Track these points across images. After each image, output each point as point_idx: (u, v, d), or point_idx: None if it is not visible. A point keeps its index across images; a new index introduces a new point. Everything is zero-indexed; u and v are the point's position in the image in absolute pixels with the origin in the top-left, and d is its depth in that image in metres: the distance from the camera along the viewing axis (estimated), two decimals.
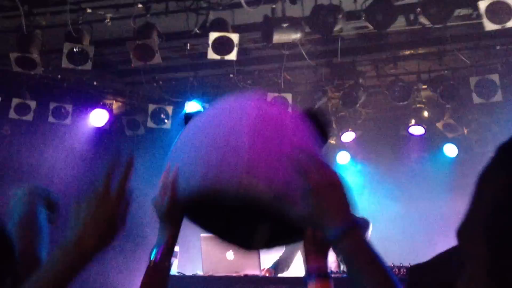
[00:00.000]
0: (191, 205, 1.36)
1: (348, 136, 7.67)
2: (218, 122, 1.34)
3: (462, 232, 0.67)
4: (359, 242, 1.10)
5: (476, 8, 5.08)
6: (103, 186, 1.10)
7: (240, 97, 1.49)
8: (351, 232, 1.09)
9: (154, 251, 1.38)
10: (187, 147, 1.36)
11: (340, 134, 7.63)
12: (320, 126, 1.36)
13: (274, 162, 1.23)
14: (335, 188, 1.15)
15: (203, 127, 1.38)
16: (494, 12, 4.97)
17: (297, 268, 5.28)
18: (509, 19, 4.96)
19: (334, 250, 1.14)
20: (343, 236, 1.09)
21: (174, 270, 4.87)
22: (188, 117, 1.47)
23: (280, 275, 5.22)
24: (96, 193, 1.10)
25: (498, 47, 6.20)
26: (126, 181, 1.12)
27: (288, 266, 5.23)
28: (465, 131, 7.55)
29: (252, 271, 4.97)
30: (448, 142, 7.76)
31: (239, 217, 1.41)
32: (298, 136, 1.29)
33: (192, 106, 6.92)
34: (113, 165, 1.13)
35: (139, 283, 1.34)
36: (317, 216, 1.12)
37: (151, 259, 1.37)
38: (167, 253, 1.40)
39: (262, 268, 5.11)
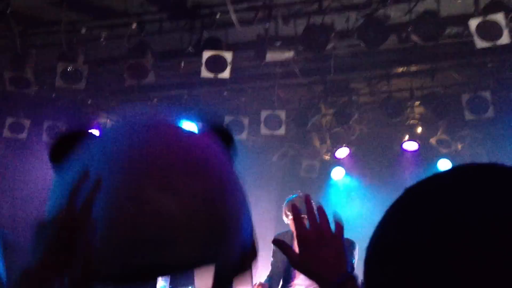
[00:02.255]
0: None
1: (342, 152, 7.70)
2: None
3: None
4: None
5: (467, 26, 5.14)
6: (67, 207, 1.00)
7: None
8: (347, 284, 1.09)
9: None
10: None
11: (334, 150, 7.66)
12: (226, 141, 1.28)
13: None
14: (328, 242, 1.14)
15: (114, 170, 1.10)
16: (485, 30, 5.03)
17: None
18: (499, 37, 5.02)
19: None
20: None
21: (166, 286, 4.84)
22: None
23: None
24: (60, 214, 1.00)
25: (489, 65, 6.26)
26: (91, 203, 1.01)
27: (279, 281, 5.22)
28: (459, 146, 7.59)
29: (244, 285, 4.95)
30: (442, 157, 7.80)
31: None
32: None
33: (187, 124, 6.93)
34: (78, 186, 1.02)
35: None
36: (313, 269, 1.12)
37: None
38: None
39: (254, 283, 5.09)
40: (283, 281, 5.12)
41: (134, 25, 5.61)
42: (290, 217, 5.01)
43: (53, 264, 0.96)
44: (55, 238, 0.98)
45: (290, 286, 5.05)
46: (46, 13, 5.54)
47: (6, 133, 6.83)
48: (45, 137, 6.95)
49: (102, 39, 5.75)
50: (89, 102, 7.07)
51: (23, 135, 6.87)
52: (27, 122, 6.85)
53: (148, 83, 6.13)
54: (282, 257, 5.12)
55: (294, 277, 5.05)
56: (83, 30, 5.69)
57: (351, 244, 4.78)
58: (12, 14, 5.29)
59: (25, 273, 0.97)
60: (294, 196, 5.11)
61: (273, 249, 5.22)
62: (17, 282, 0.98)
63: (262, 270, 5.24)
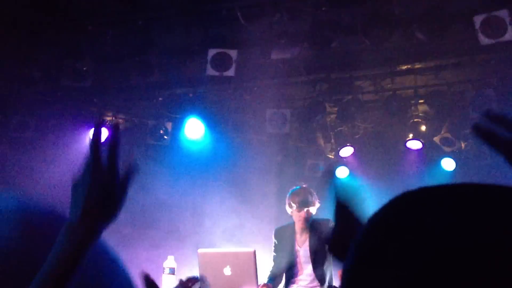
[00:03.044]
0: None
1: (346, 151, 7.71)
2: None
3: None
4: None
5: (471, 23, 5.16)
6: (92, 159, 1.09)
7: None
8: None
9: None
10: None
11: (338, 149, 7.67)
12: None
13: None
14: None
15: None
16: (489, 26, 5.06)
17: None
18: (503, 34, 5.05)
19: None
20: None
21: (171, 286, 4.86)
22: None
23: None
24: (88, 167, 1.09)
25: (492, 62, 6.27)
26: (115, 147, 1.10)
27: (282, 278, 5.23)
28: (463, 145, 7.59)
29: (250, 286, 4.96)
30: (446, 156, 7.80)
31: None
32: None
33: (192, 122, 6.96)
34: (96, 136, 1.11)
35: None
36: None
37: None
38: None
39: (259, 283, 5.09)
40: (286, 278, 5.12)
41: (140, 22, 5.64)
42: (294, 207, 5.03)
43: (91, 217, 1.07)
44: (89, 194, 1.08)
45: (294, 283, 5.06)
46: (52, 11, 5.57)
47: (12, 131, 6.85)
48: (50, 135, 6.98)
49: (108, 37, 5.78)
50: (94, 100, 7.10)
51: (29, 134, 6.89)
52: (32, 121, 6.88)
53: (154, 81, 6.17)
54: (284, 250, 5.14)
55: (298, 273, 5.06)
56: (90, 28, 5.73)
57: (327, 223, 4.86)
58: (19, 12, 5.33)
59: (69, 225, 1.07)
60: (297, 188, 5.14)
61: (274, 242, 5.24)
62: (63, 234, 1.06)
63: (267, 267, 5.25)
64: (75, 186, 1.10)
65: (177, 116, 7.16)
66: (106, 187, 1.08)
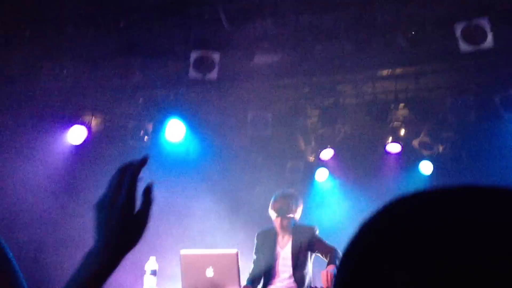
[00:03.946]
0: None
1: (327, 154, 7.76)
2: None
3: None
4: None
5: (452, 30, 5.23)
6: (116, 188, 1.13)
7: None
8: None
9: None
10: None
11: (319, 151, 7.71)
12: None
13: None
14: None
15: None
16: (469, 34, 5.13)
17: None
18: (483, 41, 5.12)
19: None
20: None
21: (153, 287, 4.83)
22: None
23: None
24: (110, 195, 1.12)
25: (472, 68, 6.37)
26: (137, 177, 1.15)
27: (260, 280, 5.25)
28: (440, 148, 7.70)
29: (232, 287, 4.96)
30: (424, 159, 7.90)
31: None
32: None
33: (173, 123, 6.92)
34: (125, 170, 1.16)
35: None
36: None
37: None
38: None
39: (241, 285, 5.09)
40: (264, 279, 5.14)
41: (121, 24, 5.59)
42: (274, 215, 5.04)
43: (113, 245, 1.10)
44: (115, 220, 1.11)
45: (272, 284, 5.08)
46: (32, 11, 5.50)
47: None
48: (28, 136, 6.88)
49: (88, 38, 5.72)
50: (73, 100, 7.02)
51: (6, 133, 6.79)
52: (9, 121, 6.78)
53: (134, 82, 6.12)
54: (265, 252, 5.15)
55: (276, 275, 5.07)
56: (69, 28, 5.65)
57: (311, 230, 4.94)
58: None
59: (91, 252, 1.10)
60: (278, 194, 5.14)
61: (256, 245, 5.24)
62: (85, 260, 1.08)
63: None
64: (98, 212, 1.12)
65: (158, 117, 7.12)
66: (127, 216, 1.11)
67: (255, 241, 5.28)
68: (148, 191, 1.16)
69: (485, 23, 5.08)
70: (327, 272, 4.50)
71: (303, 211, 5.16)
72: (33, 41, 5.84)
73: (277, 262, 5.09)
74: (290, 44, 5.55)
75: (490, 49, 5.15)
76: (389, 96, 7.00)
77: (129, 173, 1.15)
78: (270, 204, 5.09)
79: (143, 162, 1.17)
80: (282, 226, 5.02)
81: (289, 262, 5.03)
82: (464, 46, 5.21)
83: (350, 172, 8.24)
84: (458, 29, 5.15)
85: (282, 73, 6.02)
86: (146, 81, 6.33)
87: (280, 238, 5.14)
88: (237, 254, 4.62)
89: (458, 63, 6.28)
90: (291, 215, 4.99)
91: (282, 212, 4.96)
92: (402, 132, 7.67)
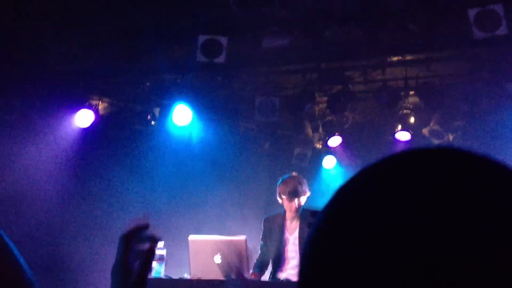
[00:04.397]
0: None
1: (334, 141, 7.68)
2: None
3: None
4: None
5: (465, 15, 5.11)
6: (125, 253, 1.16)
7: None
8: None
9: None
10: None
11: (327, 138, 7.63)
12: None
13: None
14: None
15: None
16: (483, 20, 5.01)
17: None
18: (497, 28, 5.00)
19: None
20: None
21: (161, 274, 4.81)
22: None
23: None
24: (121, 260, 1.16)
25: (485, 55, 6.25)
26: (149, 264, 1.17)
27: (268, 265, 5.22)
28: (451, 137, 7.59)
29: (240, 274, 4.93)
30: None
31: None
32: None
33: (180, 108, 6.87)
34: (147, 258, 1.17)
35: None
36: None
37: None
38: None
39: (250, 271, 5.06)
40: (274, 266, 5.10)
41: (128, 7, 5.53)
42: (284, 197, 4.99)
43: None
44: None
45: (282, 271, 5.03)
46: None
47: None
48: (35, 119, 6.86)
49: (95, 21, 5.66)
50: (81, 84, 6.98)
51: (14, 116, 6.77)
52: (17, 103, 6.75)
53: (141, 66, 6.06)
54: (273, 239, 5.11)
55: (285, 261, 5.03)
56: (77, 11, 5.60)
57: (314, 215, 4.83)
58: None
59: None
60: (287, 176, 5.09)
61: (263, 231, 5.20)
62: None
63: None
64: (114, 276, 1.16)
65: (164, 101, 7.07)
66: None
67: (262, 226, 5.24)
68: (150, 253, 1.18)
69: (499, 9, 4.95)
70: None
71: (310, 198, 5.11)
72: (40, 25, 5.79)
73: (286, 248, 5.05)
74: (298, 28, 5.46)
75: (504, 35, 5.03)
76: (399, 83, 6.89)
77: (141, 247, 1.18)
78: (278, 187, 5.04)
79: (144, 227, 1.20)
80: (292, 209, 4.97)
81: (298, 248, 4.98)
82: (477, 33, 5.09)
83: (358, 160, 8.16)
84: (472, 14, 5.03)
85: (291, 58, 5.94)
86: (153, 65, 6.27)
87: (288, 223, 5.10)
88: (245, 241, 4.59)
89: (471, 50, 6.15)
90: (302, 197, 4.96)
91: (294, 194, 4.93)
92: (412, 120, 7.57)
